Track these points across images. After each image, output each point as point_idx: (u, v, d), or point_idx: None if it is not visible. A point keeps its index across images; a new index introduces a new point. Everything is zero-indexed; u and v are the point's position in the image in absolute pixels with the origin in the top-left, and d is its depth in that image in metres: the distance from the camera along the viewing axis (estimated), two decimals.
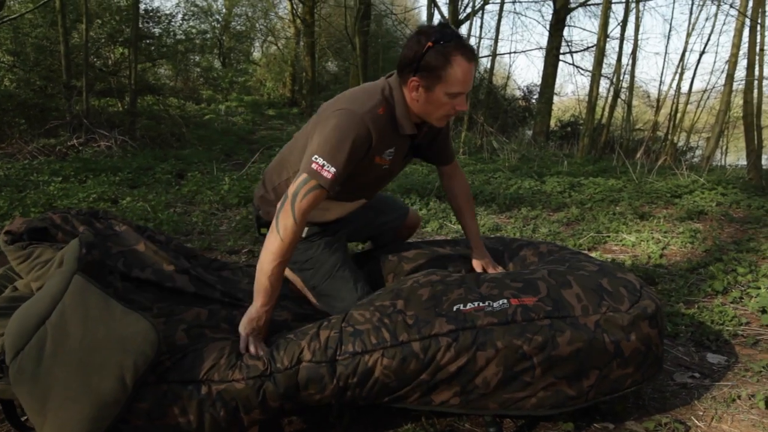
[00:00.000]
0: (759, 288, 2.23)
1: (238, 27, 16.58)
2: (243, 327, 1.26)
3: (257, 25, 16.68)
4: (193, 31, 11.86)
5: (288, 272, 1.73)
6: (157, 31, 9.11)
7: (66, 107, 6.59)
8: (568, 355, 1.15)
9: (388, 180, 1.65)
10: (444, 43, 1.29)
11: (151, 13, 8.98)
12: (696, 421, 1.38)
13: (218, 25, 15.62)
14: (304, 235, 1.65)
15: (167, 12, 10.14)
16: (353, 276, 1.61)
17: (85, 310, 1.01)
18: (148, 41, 8.64)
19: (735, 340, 1.88)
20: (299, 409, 1.19)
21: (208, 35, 13.80)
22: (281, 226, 1.28)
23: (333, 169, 1.30)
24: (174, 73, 12.31)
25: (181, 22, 11.13)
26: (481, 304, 1.21)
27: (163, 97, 8.54)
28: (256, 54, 17.95)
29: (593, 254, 2.89)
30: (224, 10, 16.25)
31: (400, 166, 1.62)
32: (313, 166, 1.30)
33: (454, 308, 1.21)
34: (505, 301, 1.22)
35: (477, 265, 1.68)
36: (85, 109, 6.60)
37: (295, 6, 13.42)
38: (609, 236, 3.24)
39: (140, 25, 8.00)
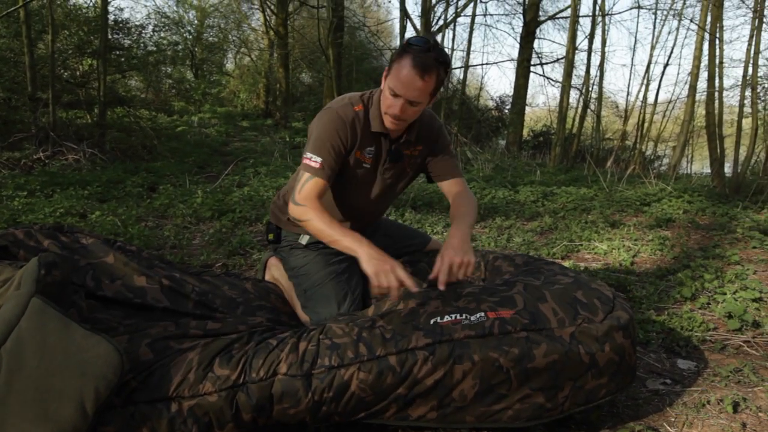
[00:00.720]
0: (725, 294, 2.30)
1: (211, 38, 16.44)
2: (369, 273, 1.27)
3: (230, 37, 16.57)
4: (165, 42, 11.70)
5: (283, 279, 1.75)
6: (126, 42, 8.95)
7: (31, 120, 6.41)
8: (543, 367, 1.16)
9: (378, 188, 1.64)
10: (410, 43, 1.39)
11: (120, 24, 8.83)
12: (668, 428, 1.40)
13: (190, 37, 15.46)
14: (304, 243, 1.70)
15: (137, 23, 9.98)
16: (346, 287, 1.61)
17: (43, 334, 0.97)
18: (117, 53, 8.48)
19: (704, 346, 1.92)
20: (274, 426, 1.16)
21: (180, 46, 13.64)
22: (297, 215, 1.47)
23: (319, 159, 1.47)
24: (145, 84, 12.11)
25: (151, 33, 10.97)
26: (458, 317, 1.20)
27: (133, 109, 8.38)
28: (230, 65, 17.82)
29: (566, 263, 2.94)
30: (196, 22, 16.11)
31: (386, 174, 1.62)
32: (306, 161, 1.49)
33: (431, 321, 1.20)
34: (483, 314, 1.22)
35: (444, 255, 1.39)
36: (52, 121, 6.42)
37: (268, 18, 13.40)
38: (581, 245, 3.30)
39: (109, 37, 7.85)
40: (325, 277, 1.62)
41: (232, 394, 1.08)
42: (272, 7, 12.73)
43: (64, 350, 0.95)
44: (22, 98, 6.77)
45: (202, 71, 15.82)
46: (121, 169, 5.93)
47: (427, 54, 1.35)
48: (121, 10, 15.90)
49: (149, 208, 4.11)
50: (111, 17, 8.33)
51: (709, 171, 6.66)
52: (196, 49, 15.54)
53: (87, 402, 0.93)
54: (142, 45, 9.48)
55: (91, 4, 8.53)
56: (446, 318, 1.20)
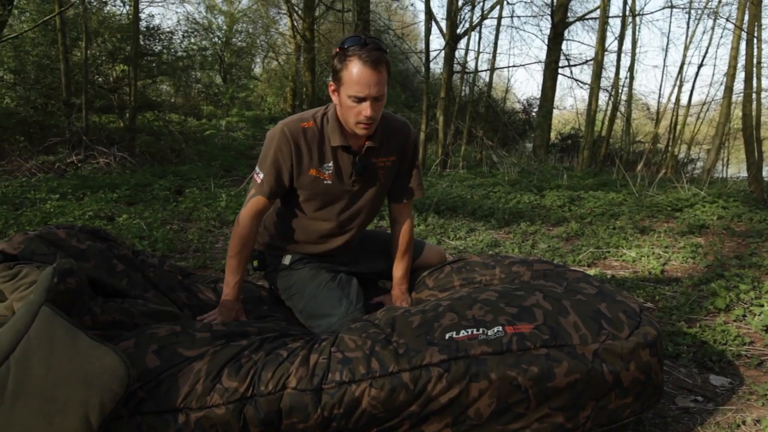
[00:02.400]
0: (762, 306, 2.19)
1: (239, 43, 16.70)
2: (216, 313, 1.51)
3: (258, 42, 16.81)
4: (194, 47, 11.94)
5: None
6: (157, 48, 9.16)
7: (66, 124, 6.61)
8: (564, 386, 1.11)
9: (351, 204, 1.62)
10: (346, 47, 1.37)
11: (151, 31, 9.04)
12: None
13: (219, 42, 15.74)
14: (287, 263, 1.70)
15: (168, 29, 10.23)
16: (338, 293, 1.59)
17: (51, 344, 0.96)
18: (148, 58, 8.69)
19: (738, 361, 1.83)
20: None
21: (209, 51, 13.89)
22: (233, 231, 1.57)
23: (261, 175, 1.52)
24: (175, 89, 12.37)
25: (181, 39, 11.20)
26: (474, 332, 1.16)
27: (163, 114, 8.56)
28: (257, 69, 18.08)
29: (593, 271, 2.85)
30: (225, 27, 16.39)
31: (355, 187, 1.59)
32: (254, 177, 1.55)
33: (447, 336, 1.16)
34: (500, 328, 1.17)
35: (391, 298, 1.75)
36: (85, 126, 6.61)
37: (295, 22, 13.53)
38: (609, 252, 3.20)
39: (141, 43, 8.04)
40: (314, 291, 1.61)
41: (240, 407, 1.06)
42: (299, 11, 12.85)
43: (70, 361, 0.95)
44: (57, 103, 6.99)
45: (230, 75, 16.08)
46: (150, 172, 6.06)
47: (367, 48, 1.36)
48: (153, 16, 16.35)
49: (175, 212, 4.17)
50: (143, 24, 8.55)
51: (745, 175, 6.41)
52: (225, 53, 15.81)
53: (92, 414, 0.92)
54: (172, 50, 9.69)
55: (124, 12, 8.77)
56: (462, 333, 1.16)
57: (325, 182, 1.56)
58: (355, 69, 1.35)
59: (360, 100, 1.38)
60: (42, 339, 0.96)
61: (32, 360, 0.95)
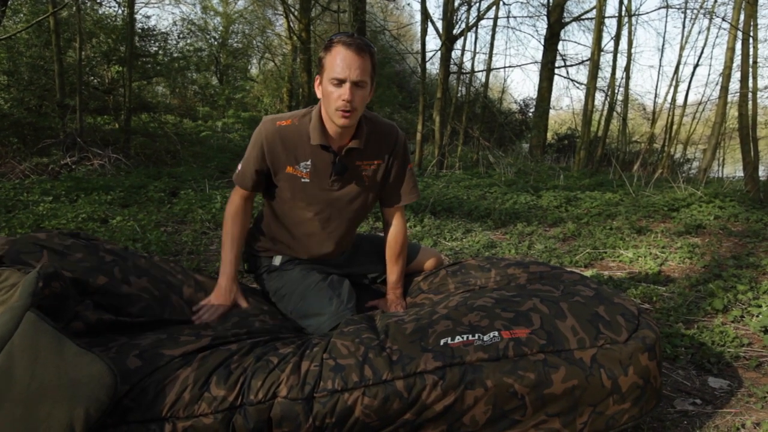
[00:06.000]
0: (760, 306, 2.17)
1: (235, 44, 16.66)
2: (210, 298, 1.52)
3: (254, 42, 16.77)
4: (190, 48, 11.89)
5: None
6: (153, 49, 9.12)
7: (60, 126, 6.56)
8: (561, 392, 1.08)
9: (330, 204, 1.60)
10: (333, 38, 1.41)
11: (147, 32, 9.00)
12: None
13: (215, 43, 15.70)
14: (278, 263, 1.69)
15: (163, 30, 10.19)
16: (329, 292, 1.57)
17: (35, 351, 0.92)
18: (144, 59, 8.65)
19: (737, 363, 1.81)
20: None
21: (205, 52, 13.86)
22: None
23: (240, 167, 1.59)
24: (170, 90, 12.33)
25: (177, 40, 11.16)
26: (470, 338, 1.13)
27: (158, 115, 8.52)
28: (254, 70, 18.04)
29: (590, 272, 2.83)
30: (221, 28, 16.35)
31: (334, 186, 1.58)
32: (237, 170, 1.61)
33: (441, 342, 1.13)
34: (496, 333, 1.14)
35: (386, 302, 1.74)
36: (79, 127, 6.57)
37: (291, 23, 13.51)
38: (606, 252, 3.18)
39: (136, 44, 8.00)
40: (304, 291, 1.59)
41: (229, 417, 1.03)
42: (295, 12, 12.82)
43: (56, 368, 0.91)
44: (51, 105, 6.95)
45: (226, 77, 16.03)
46: (144, 174, 6.01)
47: (353, 38, 1.38)
48: (148, 17, 16.26)
49: (169, 214, 4.14)
50: (138, 25, 8.50)
51: (741, 175, 6.41)
52: (221, 54, 15.77)
53: (77, 425, 0.88)
54: (167, 51, 9.65)
55: (119, 12, 8.72)
56: (457, 339, 1.13)
57: (303, 180, 1.55)
58: (338, 53, 1.37)
59: (340, 82, 1.38)
60: (26, 345, 0.92)
61: (16, 367, 0.91)
